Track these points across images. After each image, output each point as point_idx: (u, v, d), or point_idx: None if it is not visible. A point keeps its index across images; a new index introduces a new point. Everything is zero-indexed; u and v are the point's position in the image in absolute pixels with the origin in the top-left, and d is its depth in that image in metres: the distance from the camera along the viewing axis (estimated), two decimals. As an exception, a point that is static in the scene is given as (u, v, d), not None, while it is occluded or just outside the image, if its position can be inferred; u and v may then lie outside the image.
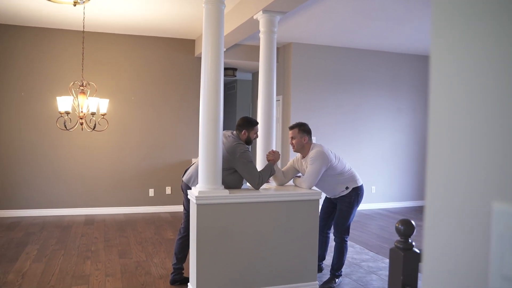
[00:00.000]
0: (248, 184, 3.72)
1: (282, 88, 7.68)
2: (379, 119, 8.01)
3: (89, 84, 5.06)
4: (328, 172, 3.78)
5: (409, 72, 8.22)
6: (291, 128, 3.88)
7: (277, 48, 7.82)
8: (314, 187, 3.79)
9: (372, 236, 5.85)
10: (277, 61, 7.82)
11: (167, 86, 7.25)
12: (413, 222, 1.71)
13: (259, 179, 3.59)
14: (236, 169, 3.64)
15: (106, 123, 5.31)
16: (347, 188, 3.87)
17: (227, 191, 3.42)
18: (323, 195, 3.98)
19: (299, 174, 4.03)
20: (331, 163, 3.75)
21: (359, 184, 3.94)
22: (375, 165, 7.96)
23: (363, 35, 6.85)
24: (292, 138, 3.85)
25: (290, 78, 7.42)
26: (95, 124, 5.05)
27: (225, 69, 8.57)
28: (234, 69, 8.64)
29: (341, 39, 7.16)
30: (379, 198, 7.96)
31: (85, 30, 6.65)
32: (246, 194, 3.48)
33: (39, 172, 6.68)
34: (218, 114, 3.42)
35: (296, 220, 3.61)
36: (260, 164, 4.21)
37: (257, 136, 3.85)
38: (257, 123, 3.81)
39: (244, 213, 3.46)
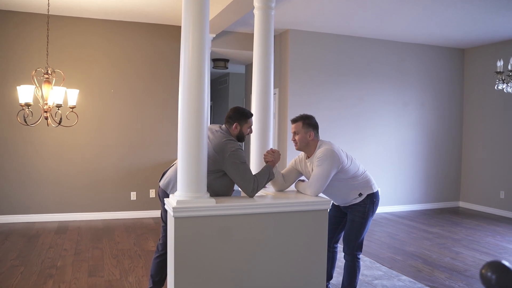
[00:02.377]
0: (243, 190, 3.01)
1: (279, 81, 6.98)
2: (384, 115, 7.33)
3: (54, 71, 4.32)
4: (339, 175, 3.09)
5: (417, 63, 7.55)
6: (294, 121, 3.17)
7: (273, 37, 7.10)
8: (321, 194, 3.10)
9: (382, 246, 5.16)
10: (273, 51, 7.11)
11: (150, 78, 6.51)
12: (508, 265, 1.03)
13: (254, 184, 2.89)
14: (225, 172, 2.94)
15: (76, 117, 4.57)
16: (360, 195, 3.18)
17: (213, 199, 2.71)
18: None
19: (303, 178, 3.34)
20: (343, 164, 3.06)
21: (375, 190, 3.25)
22: (380, 165, 7.29)
23: (367, 22, 6.17)
24: (295, 133, 3.14)
25: (287, 70, 6.72)
26: (60, 118, 4.32)
27: (216, 60, 7.85)
28: (226, 60, 7.93)
29: (344, 26, 6.46)
30: (384, 201, 7.28)
31: (54, 14, 5.92)
32: (237, 203, 2.78)
33: (2, 173, 5.92)
34: (202, 103, 2.70)
35: (299, 236, 2.91)
36: (255, 167, 3.51)
37: (251, 131, 3.14)
38: (251, 114, 3.11)
39: (235, 228, 2.75)
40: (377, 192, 3.26)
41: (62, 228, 5.73)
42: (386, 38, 7.22)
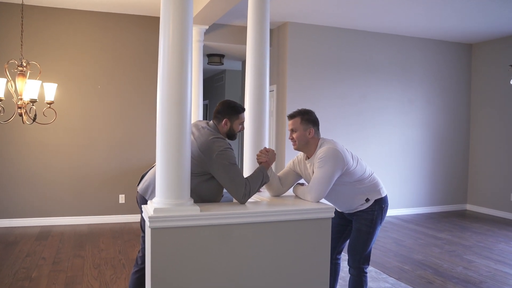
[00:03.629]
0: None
1: (276, 77, 6.59)
2: (387, 113, 6.95)
3: (29, 64, 3.93)
4: (343, 178, 2.70)
5: (423, 59, 7.17)
6: (291, 116, 2.78)
7: (271, 30, 6.73)
8: (323, 200, 2.71)
9: (387, 254, 4.78)
10: (270, 45, 6.73)
11: (137, 73, 6.10)
12: None
13: (245, 189, 2.50)
14: (212, 175, 2.55)
15: (54, 114, 4.18)
16: (367, 200, 2.80)
17: (197, 207, 2.32)
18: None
19: (302, 181, 2.95)
20: (348, 166, 2.67)
21: (383, 195, 2.87)
22: (383, 166, 6.90)
23: (370, 14, 5.79)
24: (292, 130, 2.75)
25: (285, 65, 6.34)
26: (35, 115, 3.93)
27: (210, 55, 7.46)
28: (221, 56, 7.54)
29: (345, 19, 6.08)
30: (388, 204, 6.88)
31: (29, 4, 5.53)
32: (226, 211, 2.39)
33: (-17, 175, 5.54)
34: (184, 93, 2.31)
35: (298, 248, 2.52)
36: (249, 170, 3.13)
37: (243, 128, 2.75)
38: (243, 109, 2.72)
39: (224, 240, 2.37)
40: (385, 197, 2.88)
41: (44, 234, 5.33)
42: (390, 32, 6.84)
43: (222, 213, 2.36)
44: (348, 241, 2.99)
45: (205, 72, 9.81)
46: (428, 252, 4.89)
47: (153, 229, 2.24)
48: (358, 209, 2.82)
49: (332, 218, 2.98)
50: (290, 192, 2.99)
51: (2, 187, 5.61)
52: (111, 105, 6.01)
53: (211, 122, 2.69)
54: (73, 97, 5.84)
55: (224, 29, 6.43)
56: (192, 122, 2.77)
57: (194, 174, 2.54)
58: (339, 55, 6.61)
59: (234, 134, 2.69)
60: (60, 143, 5.81)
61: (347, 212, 2.92)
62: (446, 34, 6.88)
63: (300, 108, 2.85)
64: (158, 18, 6.18)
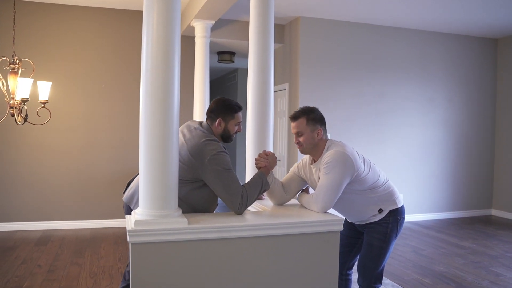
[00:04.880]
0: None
1: (289, 75, 6.28)
2: (406, 112, 6.57)
3: (21, 61, 3.71)
4: (353, 186, 2.38)
5: (445, 55, 6.75)
6: (295, 117, 2.47)
7: (282, 26, 6.42)
8: (331, 210, 2.40)
9: (406, 265, 4.42)
10: (282, 42, 6.43)
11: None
12: None
13: (242, 198, 2.21)
14: (205, 182, 2.26)
15: (48, 114, 3.95)
16: (380, 211, 2.47)
17: (185, 219, 2.04)
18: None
19: (307, 187, 2.64)
20: (359, 171, 2.35)
21: (399, 205, 2.53)
22: (402, 168, 6.52)
23: (388, 8, 5.43)
24: (298, 133, 2.44)
25: (298, 62, 6.02)
26: (26, 115, 3.70)
27: (221, 53, 7.19)
28: (232, 53, 7.26)
29: (361, 13, 5.73)
30: (407, 209, 6.41)
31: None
32: (219, 224, 2.10)
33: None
34: (171, 90, 2.03)
35: (303, 265, 2.22)
36: (251, 176, 2.82)
37: (239, 129, 2.46)
38: (240, 108, 2.42)
39: (216, 257, 2.08)
40: (402, 208, 2.54)
41: (44, 239, 5.13)
42: (409, 27, 6.45)
43: (214, 226, 2.07)
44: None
45: (216, 71, 9.55)
46: (451, 263, 4.51)
47: (133, 244, 1.97)
48: (370, 221, 2.50)
49: (342, 230, 2.67)
50: (294, 201, 2.68)
51: (3, 189, 5.43)
52: (114, 104, 5.78)
53: (205, 122, 2.41)
54: (73, 96, 5.63)
55: (234, 25, 6.15)
56: (186, 122, 2.50)
57: (184, 181, 2.26)
58: (355, 52, 6.26)
59: (230, 135, 2.40)
60: (62, 144, 5.61)
61: (358, 223, 2.59)
62: (469, 28, 6.46)
63: (303, 106, 2.54)
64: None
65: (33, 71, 3.88)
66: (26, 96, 3.63)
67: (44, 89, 3.84)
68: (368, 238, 2.52)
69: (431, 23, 6.23)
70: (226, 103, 2.37)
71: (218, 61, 7.43)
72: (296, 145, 2.51)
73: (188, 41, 6.02)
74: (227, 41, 6.32)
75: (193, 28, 5.50)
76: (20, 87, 3.60)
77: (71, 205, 5.66)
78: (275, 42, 6.39)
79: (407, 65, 6.54)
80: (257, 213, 2.40)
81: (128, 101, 5.83)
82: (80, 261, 4.35)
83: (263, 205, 2.60)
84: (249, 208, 2.71)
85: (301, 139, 2.42)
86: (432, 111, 6.73)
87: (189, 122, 2.45)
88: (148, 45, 2.03)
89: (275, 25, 6.38)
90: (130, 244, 1.97)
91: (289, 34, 6.29)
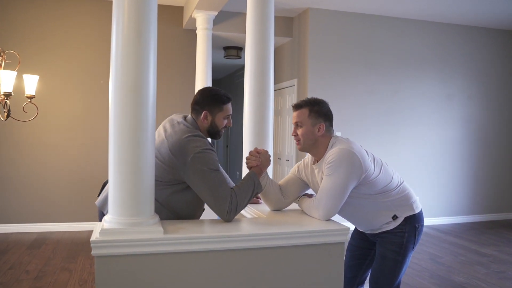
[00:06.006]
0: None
1: (297, 70, 5.95)
2: (423, 110, 6.18)
3: (4, 53, 3.46)
4: (361, 189, 2.05)
5: (464, 49, 6.35)
6: (297, 106, 2.14)
7: (291, 18, 6.10)
8: (337, 216, 2.07)
9: (422, 275, 4.05)
10: (291, 36, 6.11)
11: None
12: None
13: (230, 203, 1.90)
14: (188, 184, 1.96)
15: (36, 110, 3.70)
16: (395, 218, 2.13)
17: (160, 228, 1.73)
18: (350, 226, 2.27)
19: (309, 191, 2.32)
20: (368, 173, 2.02)
21: (417, 211, 2.19)
22: (418, 169, 6.14)
23: (405, -6, 5.07)
24: (297, 125, 2.12)
25: (306, 57, 5.69)
26: (9, 110, 3.45)
27: (227, 48, 6.89)
28: (239, 49, 6.95)
29: (375, 4, 5.38)
30: (424, 213, 6.10)
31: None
32: (202, 234, 1.79)
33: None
34: (145, 77, 1.73)
35: (301, 283, 1.89)
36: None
37: (229, 124, 2.14)
38: (229, 98, 2.11)
39: (198, 273, 1.77)
40: (420, 213, 2.21)
41: (39, 242, 4.89)
42: (425, 19, 6.07)
43: (195, 237, 1.76)
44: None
45: (224, 68, 9.27)
46: (471, 272, 4.13)
47: (98, 257, 1.67)
48: (383, 229, 2.16)
49: (352, 239, 2.34)
50: (294, 206, 2.36)
51: (-1, 190, 5.22)
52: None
53: (189, 116, 2.10)
54: (68, 92, 5.35)
55: (241, 18, 5.83)
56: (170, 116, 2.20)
57: (164, 183, 1.96)
58: (367, 46, 5.90)
59: (218, 131, 2.09)
60: (59, 143, 5.37)
61: (368, 232, 2.26)
62: (489, 20, 6.05)
63: (310, 97, 2.22)
64: (169, 7, 5.67)
65: (19, 63, 3.62)
66: (10, 90, 3.37)
67: (31, 83, 3.58)
68: (380, 250, 2.18)
69: (449, 15, 5.84)
70: (213, 92, 2.06)
71: (224, 57, 7.13)
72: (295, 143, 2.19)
73: (191, 35, 5.74)
74: (234, 35, 6.02)
75: (195, 21, 5.21)
76: (3, 80, 3.35)
77: (68, 206, 5.42)
78: (283, 36, 6.10)
79: (424, 60, 6.16)
80: (249, 220, 2.08)
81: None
82: (71, 266, 4.09)
83: (258, 210, 2.29)
84: (243, 212, 2.41)
85: (299, 131, 2.10)
86: (450, 108, 6.33)
87: (173, 116, 2.15)
88: (118, 20, 1.73)
89: (283, 18, 6.08)
90: (95, 257, 1.68)
91: (298, 27, 5.96)
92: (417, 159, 6.16)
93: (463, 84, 6.37)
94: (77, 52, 5.39)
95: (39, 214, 5.34)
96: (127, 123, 1.70)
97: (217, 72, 10.04)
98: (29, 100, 3.58)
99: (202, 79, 5.08)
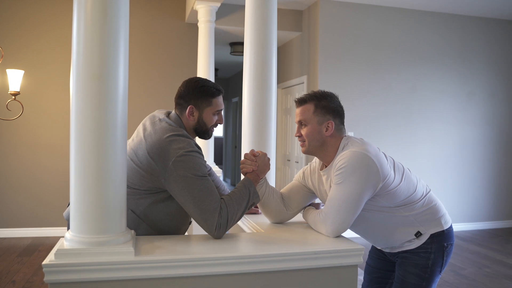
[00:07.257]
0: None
1: (307, 66, 5.61)
2: (442, 108, 5.79)
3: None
4: (379, 201, 1.70)
5: (486, 43, 5.94)
6: (301, 101, 1.79)
7: (300, 12, 5.76)
8: (347, 232, 1.73)
9: (443, 289, 3.68)
10: (300, 30, 5.77)
11: (141, 60, 5.29)
12: None
13: (220, 217, 1.57)
14: (170, 193, 1.64)
15: (21, 107, 3.41)
16: (418, 235, 1.78)
17: (131, 248, 1.41)
18: (365, 244, 1.92)
19: (317, 200, 1.97)
20: (387, 181, 1.67)
21: (446, 227, 1.84)
22: (437, 172, 5.74)
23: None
24: (301, 123, 1.78)
25: (317, 52, 5.34)
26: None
27: (233, 44, 6.57)
28: (245, 45, 6.62)
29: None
30: (442, 218, 5.73)
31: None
32: (181, 256, 1.46)
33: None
34: (113, 63, 1.41)
35: (303, 315, 1.56)
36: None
37: (220, 121, 1.81)
38: (219, 91, 1.77)
39: (176, 302, 1.44)
40: (450, 230, 1.85)
41: (32, 248, 4.62)
42: (444, 11, 5.67)
43: (173, 259, 1.43)
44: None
45: (233, 66, 8.96)
46: (498, 287, 3.75)
47: (52, 286, 1.36)
48: (404, 248, 1.81)
49: (369, 259, 2.00)
50: (298, 217, 2.02)
51: (-8, 192, 4.97)
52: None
53: (173, 112, 1.78)
54: (60, 88, 5.06)
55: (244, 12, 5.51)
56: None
57: (142, 192, 1.64)
58: (382, 40, 5.53)
59: (207, 129, 1.76)
60: (55, 143, 5.09)
61: (387, 250, 1.91)
62: (515, 12, 5.64)
63: (316, 90, 1.87)
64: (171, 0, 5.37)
65: (2, 57, 3.34)
66: (-10, 85, 3.09)
67: (15, 79, 3.30)
68: (400, 272, 1.83)
69: (470, 7, 5.44)
70: (200, 84, 1.72)
71: (231, 53, 6.81)
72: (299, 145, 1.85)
73: (193, 29, 5.43)
74: (240, 30, 5.69)
75: (197, 14, 4.91)
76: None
77: (65, 209, 5.14)
78: (292, 30, 5.76)
79: (443, 55, 5.76)
80: (243, 237, 1.75)
81: (130, 96, 5.26)
82: (62, 276, 3.80)
83: (256, 223, 1.96)
84: (240, 223, 2.08)
85: (303, 131, 1.76)
86: (471, 107, 5.92)
87: (155, 112, 1.83)
88: (80, 4, 1.41)
89: (292, 11, 5.74)
90: (48, 285, 1.36)
91: (307, 21, 5.62)
92: (435, 160, 5.76)
93: (484, 81, 5.96)
94: (65, 45, 5.07)
95: (35, 218, 5.08)
96: (90, 118, 1.39)
97: (224, 70, 9.73)
98: (13, 97, 3.30)
99: (205, 75, 4.77)
